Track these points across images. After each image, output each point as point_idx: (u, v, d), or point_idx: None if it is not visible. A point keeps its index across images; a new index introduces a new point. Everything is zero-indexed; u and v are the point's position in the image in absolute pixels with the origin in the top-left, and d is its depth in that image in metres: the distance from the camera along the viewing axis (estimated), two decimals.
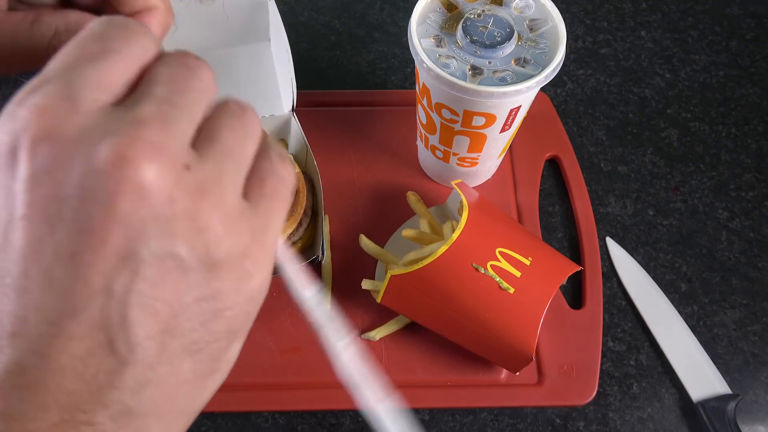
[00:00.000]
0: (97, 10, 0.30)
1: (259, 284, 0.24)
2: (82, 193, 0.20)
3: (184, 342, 0.22)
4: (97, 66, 0.21)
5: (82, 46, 0.22)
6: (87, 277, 0.20)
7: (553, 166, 0.64)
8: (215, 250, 0.22)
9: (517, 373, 0.51)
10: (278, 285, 0.56)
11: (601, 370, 0.54)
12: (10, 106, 0.21)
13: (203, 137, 0.23)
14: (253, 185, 0.24)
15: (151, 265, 0.21)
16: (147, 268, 0.21)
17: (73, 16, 0.28)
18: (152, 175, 0.20)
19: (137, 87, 0.22)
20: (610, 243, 0.60)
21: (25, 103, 0.21)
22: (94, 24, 0.23)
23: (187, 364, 0.23)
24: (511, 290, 0.48)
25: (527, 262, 0.50)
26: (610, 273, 0.59)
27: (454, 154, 0.55)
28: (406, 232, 0.53)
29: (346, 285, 0.56)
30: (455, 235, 0.49)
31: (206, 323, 0.23)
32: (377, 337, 0.53)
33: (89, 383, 0.21)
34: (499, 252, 0.50)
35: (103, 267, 0.20)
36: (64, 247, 0.20)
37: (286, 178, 0.25)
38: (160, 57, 0.23)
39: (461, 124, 0.50)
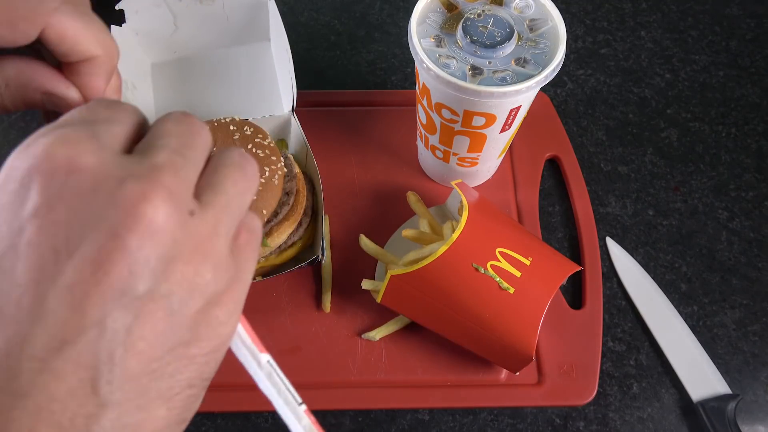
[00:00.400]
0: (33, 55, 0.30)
1: (229, 332, 0.25)
2: (97, 223, 0.20)
3: (161, 387, 0.22)
4: (111, 124, 0.24)
5: (95, 111, 0.24)
6: (84, 308, 0.20)
7: (553, 166, 0.64)
8: (200, 296, 0.23)
9: (517, 373, 0.51)
10: (278, 285, 0.56)
11: (601, 370, 0.54)
12: (31, 138, 0.22)
13: (208, 186, 0.24)
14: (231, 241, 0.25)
15: (144, 303, 0.21)
16: (140, 305, 0.21)
17: (10, 68, 0.28)
18: (163, 216, 0.21)
19: (147, 139, 0.24)
20: (610, 243, 0.60)
21: (50, 134, 0.22)
22: (98, 100, 0.25)
23: (161, 410, 0.23)
24: (511, 290, 0.48)
25: (527, 262, 0.50)
26: (610, 273, 0.59)
27: (454, 154, 0.55)
28: (406, 232, 0.53)
29: (346, 285, 0.56)
30: (455, 235, 0.49)
31: (183, 368, 0.23)
32: (377, 337, 0.53)
33: (65, 429, 0.20)
34: (499, 252, 0.50)
35: (101, 299, 0.20)
36: (66, 277, 0.20)
37: (257, 230, 0.26)
38: (168, 115, 0.25)
39: (461, 124, 0.50)
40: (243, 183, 0.25)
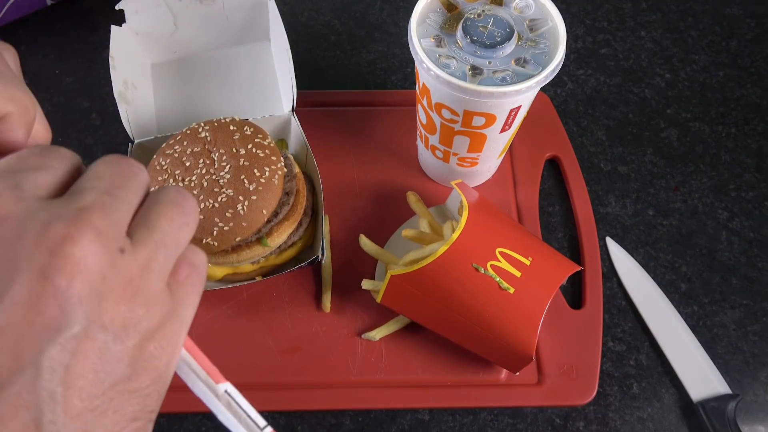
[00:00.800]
0: None
1: (165, 365, 0.25)
2: (25, 267, 0.21)
3: (106, 422, 0.22)
4: (38, 171, 0.24)
5: (24, 160, 0.24)
6: (18, 350, 0.20)
7: (553, 166, 0.64)
8: (134, 332, 0.23)
9: (517, 373, 0.51)
10: (278, 285, 0.56)
11: (601, 370, 0.54)
12: None
13: (142, 223, 0.24)
14: (169, 276, 0.25)
15: (80, 342, 0.21)
16: (76, 343, 0.21)
17: None
18: (90, 254, 0.21)
19: (79, 182, 0.24)
20: (610, 243, 0.60)
21: None
22: (29, 148, 0.26)
23: None
24: (511, 290, 0.48)
25: (527, 262, 0.50)
26: (610, 273, 0.59)
27: (454, 154, 0.55)
28: (406, 232, 0.53)
29: (346, 285, 0.56)
30: (455, 235, 0.49)
31: (126, 403, 0.23)
32: (377, 337, 0.53)
33: None
34: (499, 252, 0.50)
35: (35, 340, 0.20)
36: None
37: (200, 265, 0.26)
38: (103, 158, 0.26)
39: (461, 124, 0.50)
40: (179, 219, 0.25)
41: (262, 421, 0.28)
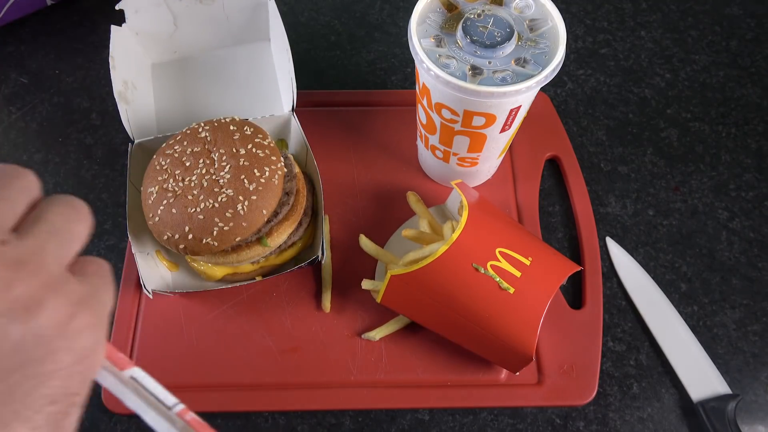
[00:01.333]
0: None
1: (91, 344, 0.25)
2: None
3: (15, 408, 0.22)
4: None
5: None
6: None
7: (553, 166, 0.64)
8: (37, 312, 0.23)
9: (517, 373, 0.51)
10: (278, 285, 0.56)
11: (601, 370, 0.54)
12: None
13: (29, 219, 0.25)
14: (75, 269, 0.26)
15: None
16: None
17: None
18: None
19: None
20: (610, 243, 0.60)
21: None
22: None
23: (23, 430, 0.22)
24: (511, 290, 0.48)
25: (527, 262, 0.50)
26: (610, 273, 0.59)
27: (454, 154, 0.55)
28: (406, 232, 0.53)
29: (346, 285, 0.56)
30: (455, 235, 0.49)
31: (39, 386, 0.23)
32: (377, 337, 0.53)
33: None
34: (499, 252, 0.50)
35: None
36: None
37: (104, 265, 0.27)
38: None
39: (461, 124, 0.50)
40: (69, 213, 0.26)
41: (171, 401, 0.27)
